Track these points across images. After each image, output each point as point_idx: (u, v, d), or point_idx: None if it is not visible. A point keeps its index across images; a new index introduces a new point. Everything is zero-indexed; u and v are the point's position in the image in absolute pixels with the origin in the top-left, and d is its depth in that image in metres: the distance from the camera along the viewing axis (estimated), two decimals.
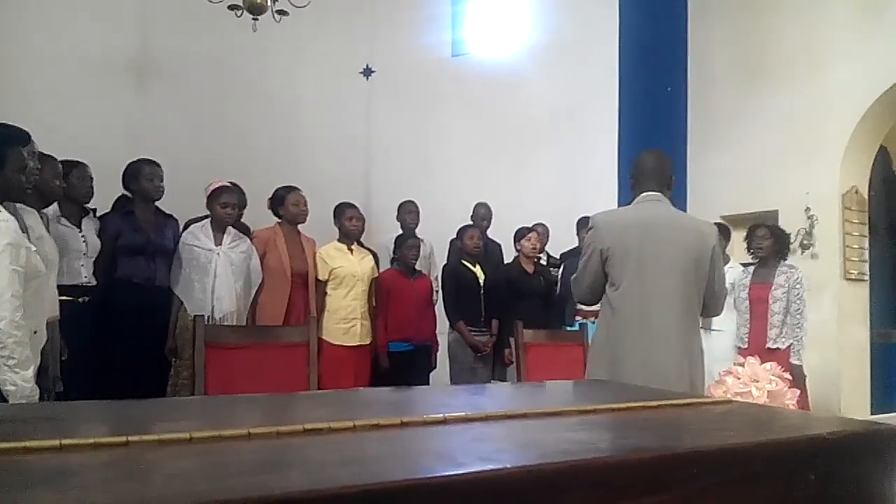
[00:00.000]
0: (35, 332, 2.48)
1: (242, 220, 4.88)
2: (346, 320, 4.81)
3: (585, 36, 6.98)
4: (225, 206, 4.38)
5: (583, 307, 5.36)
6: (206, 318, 3.92)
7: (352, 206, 5.09)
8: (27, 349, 2.35)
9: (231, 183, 4.61)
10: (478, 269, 5.42)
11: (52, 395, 2.96)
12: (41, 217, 3.23)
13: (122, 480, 0.83)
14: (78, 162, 4.00)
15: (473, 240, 5.44)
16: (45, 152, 3.19)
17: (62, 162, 3.63)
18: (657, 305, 2.78)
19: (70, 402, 1.74)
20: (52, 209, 3.65)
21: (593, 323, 5.15)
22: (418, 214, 6.11)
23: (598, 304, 3.00)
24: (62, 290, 3.34)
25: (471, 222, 5.91)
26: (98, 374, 3.86)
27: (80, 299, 3.80)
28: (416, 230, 5.95)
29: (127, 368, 3.95)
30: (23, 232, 2.57)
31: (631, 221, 2.89)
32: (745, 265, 5.43)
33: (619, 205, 5.64)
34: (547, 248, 6.19)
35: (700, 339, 2.95)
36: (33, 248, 2.52)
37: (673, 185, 3.05)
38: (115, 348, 4.01)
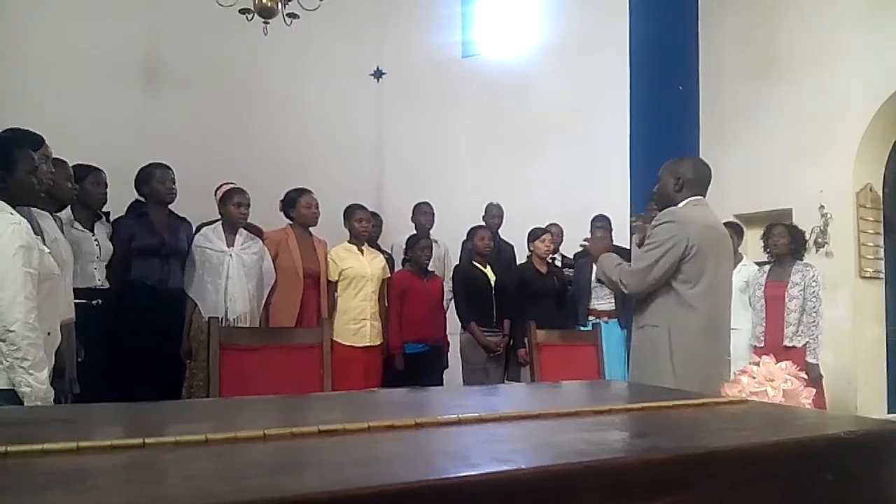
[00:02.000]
0: (49, 334, 2.49)
1: (255, 222, 4.89)
2: (355, 321, 4.81)
3: (596, 35, 6.96)
4: (239, 206, 4.41)
5: (595, 307, 5.36)
6: (219, 319, 3.94)
7: (361, 207, 5.09)
8: (41, 351, 2.37)
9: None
10: (489, 270, 5.41)
11: (69, 396, 2.98)
12: (55, 220, 3.26)
13: (139, 482, 0.83)
14: (93, 167, 4.02)
15: (484, 240, 5.43)
16: (56, 156, 3.21)
17: (77, 167, 3.65)
18: (724, 303, 3.01)
19: (86, 405, 1.75)
20: (65, 213, 3.66)
21: (606, 323, 5.18)
22: (433, 216, 6.13)
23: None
24: (76, 293, 3.35)
25: (482, 223, 5.91)
26: (113, 376, 3.88)
27: (94, 302, 3.81)
28: (430, 231, 5.97)
29: (142, 370, 3.96)
30: (37, 234, 2.59)
31: (704, 223, 2.99)
32: (759, 264, 5.40)
33: (631, 204, 5.64)
34: (560, 248, 6.18)
35: None
36: (47, 251, 2.54)
37: None
38: (130, 350, 4.03)
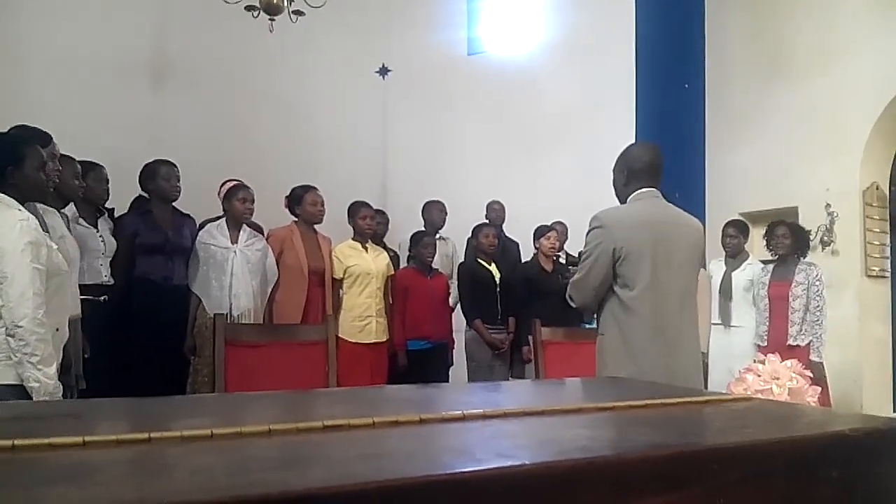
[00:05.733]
0: (57, 330, 2.51)
1: (257, 219, 4.89)
2: (361, 318, 4.82)
3: (601, 33, 6.95)
4: (244, 202, 4.41)
5: None
6: (224, 315, 3.95)
7: (366, 204, 5.09)
8: (49, 346, 2.38)
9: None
10: (493, 268, 5.41)
11: (75, 392, 3.00)
12: (62, 217, 3.27)
13: (145, 476, 0.84)
14: (94, 164, 4.03)
15: (489, 238, 5.44)
16: (63, 153, 3.22)
17: (79, 163, 3.66)
18: (672, 306, 2.75)
19: (92, 400, 1.76)
20: (70, 210, 3.67)
21: None
22: (446, 213, 6.10)
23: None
24: (82, 289, 3.37)
25: (486, 221, 5.92)
26: (117, 372, 3.89)
27: (101, 298, 3.83)
28: (441, 228, 5.99)
29: (146, 366, 3.97)
30: (44, 231, 2.61)
31: (640, 220, 2.81)
32: (764, 262, 5.39)
33: None
34: (565, 246, 6.18)
35: (698, 336, 2.94)
36: (55, 247, 2.55)
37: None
38: (135, 346, 4.04)
